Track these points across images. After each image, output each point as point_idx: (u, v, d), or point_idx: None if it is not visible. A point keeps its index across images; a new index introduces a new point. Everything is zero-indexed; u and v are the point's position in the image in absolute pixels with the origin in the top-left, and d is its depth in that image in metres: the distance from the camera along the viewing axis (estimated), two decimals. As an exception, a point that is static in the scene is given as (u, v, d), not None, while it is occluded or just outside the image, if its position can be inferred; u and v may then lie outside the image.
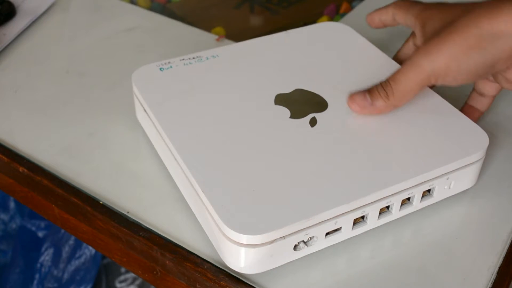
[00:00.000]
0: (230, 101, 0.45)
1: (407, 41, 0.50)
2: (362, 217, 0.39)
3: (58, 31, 0.64)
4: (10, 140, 0.50)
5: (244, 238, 0.35)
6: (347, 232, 0.39)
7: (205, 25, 0.65)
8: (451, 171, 0.40)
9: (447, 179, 0.41)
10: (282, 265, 0.38)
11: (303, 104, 0.45)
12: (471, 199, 0.44)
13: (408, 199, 0.41)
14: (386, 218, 0.40)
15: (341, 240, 0.39)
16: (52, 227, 0.93)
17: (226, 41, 0.61)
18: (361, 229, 0.39)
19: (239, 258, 0.36)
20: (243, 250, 0.35)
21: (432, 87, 0.48)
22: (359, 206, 0.37)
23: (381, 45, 0.53)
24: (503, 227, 0.42)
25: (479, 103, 0.48)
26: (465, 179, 0.42)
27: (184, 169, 0.40)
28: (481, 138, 0.42)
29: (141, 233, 0.41)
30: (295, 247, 0.37)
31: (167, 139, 0.42)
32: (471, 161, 0.41)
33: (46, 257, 0.92)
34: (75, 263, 0.93)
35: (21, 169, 0.47)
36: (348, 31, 0.54)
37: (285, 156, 0.40)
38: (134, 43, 0.61)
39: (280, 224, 0.35)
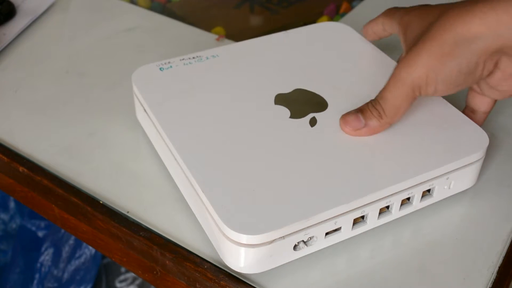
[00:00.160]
0: (230, 101, 0.45)
1: None
2: (362, 217, 0.39)
3: (58, 31, 0.64)
4: (10, 140, 0.50)
5: (244, 238, 0.35)
6: (347, 232, 0.39)
7: (205, 25, 0.65)
8: (451, 171, 0.40)
9: (447, 179, 0.41)
10: (282, 265, 0.38)
11: (303, 104, 0.45)
12: (471, 199, 0.44)
13: (408, 199, 0.41)
14: (386, 218, 0.40)
15: (341, 240, 0.39)
16: (52, 227, 0.93)
17: (226, 41, 0.61)
18: (361, 229, 0.39)
19: (239, 258, 0.36)
20: (242, 250, 0.35)
21: None
22: (359, 206, 0.37)
23: (381, 45, 0.53)
24: (503, 227, 0.42)
25: (481, 104, 0.46)
26: (465, 179, 0.42)
27: (184, 169, 0.40)
28: (481, 138, 0.42)
29: (141, 233, 0.41)
30: (294, 247, 0.37)
31: (167, 139, 0.42)
32: (471, 161, 0.41)
33: (46, 257, 0.92)
34: (75, 263, 0.93)
35: (21, 169, 0.47)
36: (348, 31, 0.54)
37: (285, 156, 0.40)
38: (134, 43, 0.61)
39: (280, 224, 0.35)
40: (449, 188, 0.42)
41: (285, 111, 0.44)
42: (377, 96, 0.42)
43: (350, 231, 0.39)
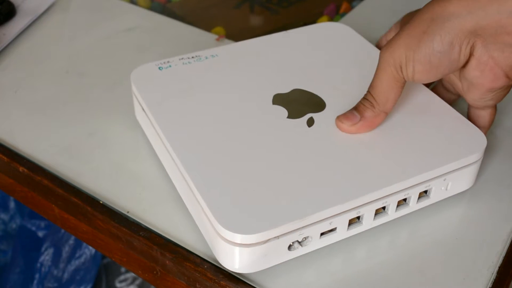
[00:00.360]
0: (228, 101, 0.45)
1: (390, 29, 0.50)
2: (358, 217, 0.39)
3: (58, 31, 0.64)
4: (10, 140, 0.50)
5: (238, 238, 0.35)
6: (343, 232, 0.39)
7: (205, 25, 0.65)
8: (448, 172, 0.40)
9: (444, 180, 0.41)
10: (283, 265, 0.38)
11: (301, 104, 0.45)
12: (471, 198, 0.44)
13: (405, 200, 0.41)
14: (382, 219, 0.40)
15: (336, 240, 0.39)
16: (52, 227, 0.93)
17: (226, 41, 0.61)
18: (357, 229, 0.39)
19: (233, 258, 0.36)
20: (237, 249, 0.35)
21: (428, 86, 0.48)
22: (354, 206, 0.37)
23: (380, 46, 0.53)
24: (503, 227, 0.42)
25: (480, 119, 0.45)
26: (463, 181, 0.42)
27: (180, 168, 0.40)
28: (478, 139, 0.42)
29: (141, 233, 0.41)
30: (289, 247, 0.37)
31: (164, 137, 0.42)
32: (468, 163, 0.41)
33: (46, 257, 0.92)
34: (75, 263, 0.93)
35: (21, 169, 0.47)
36: (347, 31, 0.54)
37: (281, 155, 0.40)
38: (134, 43, 0.61)
39: (274, 223, 0.35)
40: (446, 189, 0.42)
41: (282, 111, 0.44)
42: (368, 88, 0.42)
43: (346, 231, 0.39)
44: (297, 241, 0.37)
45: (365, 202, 0.38)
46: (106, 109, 0.52)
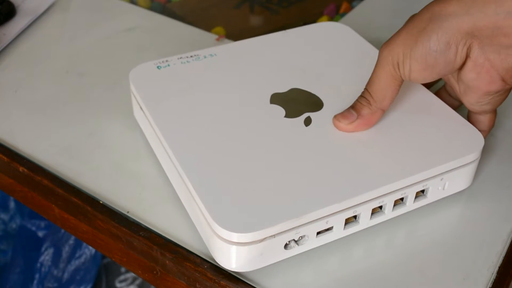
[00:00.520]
0: (226, 100, 0.45)
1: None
2: (354, 216, 0.39)
3: (58, 31, 0.64)
4: (10, 140, 0.50)
5: (234, 236, 0.35)
6: (339, 231, 0.39)
7: (205, 25, 0.65)
8: (445, 171, 0.40)
9: (441, 179, 0.41)
10: (282, 264, 0.38)
11: (299, 103, 0.45)
12: (471, 198, 0.44)
13: (402, 199, 0.41)
14: (379, 218, 0.40)
15: (333, 239, 0.39)
16: (52, 227, 0.93)
17: (226, 41, 0.61)
18: (353, 229, 0.39)
19: (230, 256, 0.36)
20: (233, 248, 0.35)
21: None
22: (350, 205, 0.37)
23: (380, 46, 0.53)
24: (502, 227, 0.42)
25: (479, 124, 0.45)
26: (460, 180, 0.42)
27: (177, 166, 0.40)
28: (476, 138, 0.42)
29: (141, 233, 0.41)
30: (285, 246, 0.37)
31: (161, 136, 0.42)
32: (465, 162, 0.41)
33: (46, 257, 0.92)
34: (75, 263, 0.93)
35: (21, 169, 0.47)
36: (346, 31, 0.54)
37: (278, 155, 0.40)
38: (134, 43, 0.61)
39: (271, 222, 0.35)
40: (443, 189, 0.42)
41: (280, 111, 0.44)
42: (366, 85, 0.42)
43: (342, 231, 0.39)
44: (294, 240, 0.37)
45: (362, 201, 0.38)
46: (106, 109, 0.52)
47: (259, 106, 0.44)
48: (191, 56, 0.49)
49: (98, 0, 0.69)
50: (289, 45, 0.52)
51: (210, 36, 0.62)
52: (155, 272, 0.42)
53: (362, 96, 0.42)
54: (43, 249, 0.92)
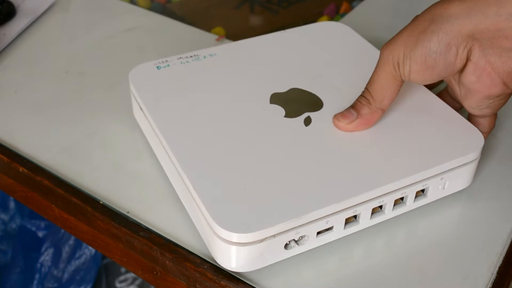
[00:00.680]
0: (226, 100, 0.45)
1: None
2: (354, 216, 0.39)
3: (58, 31, 0.64)
4: (10, 140, 0.50)
5: (234, 236, 0.35)
6: (339, 231, 0.39)
7: (205, 25, 0.65)
8: (445, 171, 0.40)
9: (441, 179, 0.41)
10: (282, 264, 0.38)
11: (298, 103, 0.45)
12: (471, 198, 0.44)
13: (402, 199, 0.41)
14: (379, 218, 0.40)
15: (333, 239, 0.39)
16: (52, 227, 0.93)
17: (226, 41, 0.61)
18: (353, 228, 0.39)
19: (230, 257, 0.36)
20: (234, 248, 0.35)
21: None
22: (350, 205, 0.37)
23: (380, 46, 0.52)
24: (503, 227, 0.42)
25: (480, 126, 0.44)
26: (460, 180, 0.42)
27: (177, 166, 0.40)
28: (476, 138, 0.42)
29: (141, 233, 0.41)
30: (286, 246, 0.37)
31: (161, 136, 0.42)
32: (465, 161, 0.41)
33: (46, 257, 0.92)
34: (75, 263, 0.93)
35: (21, 169, 0.47)
36: (346, 30, 0.54)
37: (278, 155, 0.40)
38: (134, 43, 0.61)
39: (271, 222, 0.35)
40: (443, 188, 0.42)
41: (280, 110, 0.44)
42: (366, 84, 0.42)
43: (343, 230, 0.39)
44: (294, 240, 0.37)
45: (362, 201, 0.38)
46: (106, 109, 0.52)
47: (259, 106, 0.44)
48: (191, 56, 0.49)
49: (98, 0, 0.69)
50: (289, 45, 0.52)
51: (210, 36, 0.62)
52: (155, 272, 0.42)
53: (362, 95, 0.42)
54: (43, 249, 0.92)
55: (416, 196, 0.41)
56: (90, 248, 0.93)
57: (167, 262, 0.40)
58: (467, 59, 0.39)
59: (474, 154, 0.41)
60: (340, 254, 0.40)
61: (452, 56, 0.39)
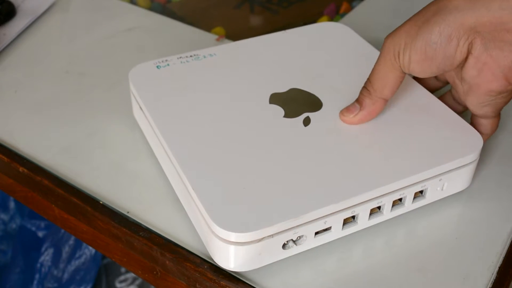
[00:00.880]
0: (225, 100, 0.45)
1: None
2: (353, 217, 0.39)
3: (58, 31, 0.64)
4: (10, 140, 0.50)
5: (232, 236, 0.35)
6: (337, 232, 0.39)
7: (205, 25, 0.65)
8: (444, 172, 0.40)
9: (440, 180, 0.41)
10: (281, 264, 0.38)
11: (298, 103, 0.45)
12: (471, 198, 0.44)
13: (400, 200, 0.41)
14: (377, 219, 0.40)
15: (331, 239, 0.39)
16: (52, 227, 0.93)
17: (226, 41, 0.61)
18: (352, 229, 0.39)
19: (228, 256, 0.36)
20: (232, 248, 0.35)
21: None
22: (348, 206, 0.37)
23: (380, 46, 0.52)
24: (503, 227, 0.42)
25: (481, 127, 0.44)
26: (458, 181, 0.42)
27: (176, 166, 0.40)
28: (475, 140, 0.42)
29: (141, 233, 0.41)
30: (284, 246, 0.37)
31: (160, 136, 0.42)
32: (464, 163, 0.41)
33: (46, 257, 0.92)
34: (75, 263, 0.93)
35: (21, 169, 0.47)
36: (346, 31, 0.54)
37: (276, 155, 0.40)
38: (134, 43, 0.61)
39: (269, 222, 0.35)
40: (442, 189, 0.41)
41: (279, 110, 0.44)
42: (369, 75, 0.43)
43: (341, 231, 0.39)
44: (292, 240, 0.37)
45: (360, 201, 0.38)
46: (106, 109, 0.52)
47: (258, 106, 0.44)
48: (191, 56, 0.50)
49: (98, 0, 0.69)
50: (289, 45, 0.52)
51: (210, 36, 0.62)
52: (155, 272, 0.42)
53: (364, 87, 0.43)
54: (43, 249, 0.92)
55: (414, 197, 0.41)
56: (90, 248, 0.93)
57: (167, 262, 0.40)
58: (468, 53, 0.39)
59: (473, 156, 0.41)
60: (339, 254, 0.40)
61: (452, 48, 0.39)
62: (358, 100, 0.43)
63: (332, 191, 0.37)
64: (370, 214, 0.39)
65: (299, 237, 0.37)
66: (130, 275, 0.98)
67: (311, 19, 0.67)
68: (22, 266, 0.93)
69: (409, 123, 0.43)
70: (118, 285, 0.97)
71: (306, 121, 0.43)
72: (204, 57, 0.50)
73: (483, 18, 0.37)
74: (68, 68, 0.58)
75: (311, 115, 0.44)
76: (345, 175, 0.39)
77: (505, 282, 0.39)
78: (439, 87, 0.49)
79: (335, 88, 0.46)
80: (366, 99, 0.42)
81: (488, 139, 0.47)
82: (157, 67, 0.48)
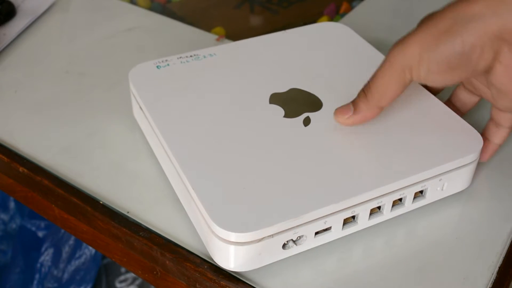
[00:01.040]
0: (225, 100, 0.45)
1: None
2: (353, 217, 0.39)
3: (58, 31, 0.64)
4: (10, 140, 0.50)
5: (232, 236, 0.35)
6: (337, 232, 0.39)
7: (205, 25, 0.65)
8: (444, 172, 0.40)
9: (440, 180, 0.41)
10: (281, 264, 0.38)
11: (298, 103, 0.45)
12: (471, 198, 0.44)
13: (400, 200, 0.41)
14: (377, 219, 0.40)
15: (331, 239, 0.39)
16: (52, 227, 0.93)
17: (226, 41, 0.61)
18: (352, 229, 0.39)
19: (228, 256, 0.36)
20: (232, 248, 0.36)
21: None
22: (348, 206, 0.37)
23: (380, 46, 0.53)
24: (503, 227, 0.42)
25: (495, 136, 0.44)
26: (458, 181, 0.42)
27: (176, 166, 0.40)
28: (475, 139, 0.42)
29: (141, 233, 0.41)
30: (284, 246, 0.37)
31: (160, 136, 0.42)
32: (464, 163, 0.41)
33: (46, 257, 0.92)
34: (75, 263, 0.93)
35: (21, 169, 0.47)
36: (346, 31, 0.54)
37: (276, 155, 0.40)
38: (134, 43, 0.61)
39: (269, 222, 0.35)
40: (442, 189, 0.41)
41: (279, 110, 0.44)
42: (369, 78, 0.41)
43: (341, 231, 0.39)
44: (292, 240, 0.37)
45: (360, 201, 0.38)
46: (106, 109, 0.52)
47: (258, 106, 0.44)
48: (191, 56, 0.50)
49: (98, 0, 0.69)
50: (289, 45, 0.52)
51: (210, 36, 0.62)
52: (155, 272, 0.42)
53: (362, 90, 0.41)
54: (43, 249, 0.92)
55: (414, 197, 0.41)
56: (90, 248, 0.93)
57: (167, 262, 0.40)
58: (495, 60, 0.37)
59: (473, 156, 0.41)
60: (339, 254, 0.40)
61: (476, 57, 0.37)
62: (354, 102, 0.41)
63: (332, 191, 0.37)
64: (370, 214, 0.39)
65: (299, 237, 0.37)
66: (130, 275, 0.98)
67: (311, 19, 0.67)
68: (22, 266, 0.93)
69: (409, 123, 0.43)
70: (118, 285, 0.97)
71: (306, 121, 0.43)
72: (204, 57, 0.50)
73: (510, 25, 0.35)
74: (68, 68, 0.58)
75: (311, 115, 0.44)
76: (345, 175, 0.39)
77: (505, 282, 0.39)
78: (439, 91, 0.48)
79: (335, 88, 0.46)
80: (362, 104, 0.40)
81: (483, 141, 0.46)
82: (157, 67, 0.48)
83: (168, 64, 0.49)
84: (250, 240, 0.35)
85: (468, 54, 0.37)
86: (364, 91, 0.41)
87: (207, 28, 0.64)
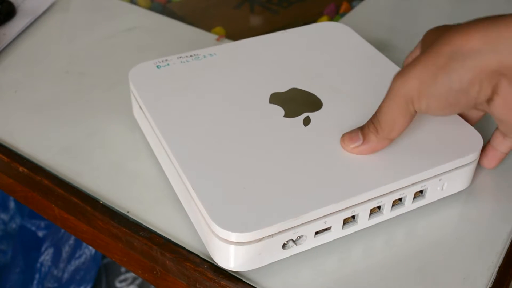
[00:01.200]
0: (225, 100, 0.45)
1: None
2: (353, 217, 0.39)
3: (58, 31, 0.64)
4: (10, 140, 0.50)
5: (232, 236, 0.35)
6: (337, 231, 0.39)
7: (205, 25, 0.65)
8: (444, 172, 0.40)
9: (440, 180, 0.41)
10: (282, 264, 0.38)
11: (298, 103, 0.45)
12: (471, 198, 0.44)
13: (400, 199, 0.41)
14: (377, 219, 0.40)
15: (331, 239, 0.39)
16: (52, 227, 0.93)
17: (226, 41, 0.61)
18: (352, 229, 0.39)
19: (228, 256, 0.36)
20: (232, 247, 0.36)
21: None
22: (348, 205, 0.37)
23: (380, 46, 0.53)
24: (502, 227, 0.42)
25: (501, 145, 0.43)
26: (458, 181, 0.42)
27: (176, 166, 0.40)
28: (475, 139, 0.42)
29: (141, 233, 0.41)
30: (283, 246, 0.37)
31: (160, 135, 0.42)
32: (464, 163, 0.41)
33: (46, 257, 0.92)
34: (75, 263, 0.93)
35: (21, 169, 0.47)
36: (346, 31, 0.54)
37: (276, 155, 0.40)
38: (134, 43, 0.61)
39: (269, 222, 0.35)
40: (441, 189, 0.41)
41: (279, 110, 0.44)
42: (376, 110, 0.40)
43: (341, 231, 0.39)
44: (292, 239, 0.37)
45: (360, 201, 0.38)
46: (106, 109, 0.52)
47: (258, 105, 0.44)
48: (191, 56, 0.50)
49: (98, 0, 0.69)
50: (289, 45, 0.52)
51: (210, 36, 0.62)
52: (155, 272, 0.42)
53: (371, 122, 0.40)
54: (43, 249, 0.92)
55: (414, 197, 0.41)
56: (90, 248, 0.93)
57: (167, 262, 0.40)
58: (493, 93, 0.37)
59: (473, 156, 0.41)
60: (339, 254, 0.40)
61: (474, 92, 0.36)
62: (363, 132, 0.40)
63: (332, 191, 0.37)
64: (370, 214, 0.39)
65: (299, 237, 0.37)
66: (130, 275, 0.98)
67: (311, 19, 0.67)
68: (22, 266, 0.93)
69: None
70: (118, 285, 0.97)
71: (306, 121, 0.43)
72: (204, 57, 0.50)
73: (508, 61, 0.35)
74: (68, 68, 0.58)
75: (311, 115, 0.44)
76: (345, 175, 0.39)
77: (505, 282, 0.39)
78: None
79: (335, 88, 0.46)
80: (372, 136, 0.40)
81: (483, 141, 0.46)
82: (157, 67, 0.48)
83: (168, 64, 0.49)
84: (250, 240, 0.35)
85: (466, 90, 0.36)
86: (373, 123, 0.40)
87: (207, 28, 0.64)
